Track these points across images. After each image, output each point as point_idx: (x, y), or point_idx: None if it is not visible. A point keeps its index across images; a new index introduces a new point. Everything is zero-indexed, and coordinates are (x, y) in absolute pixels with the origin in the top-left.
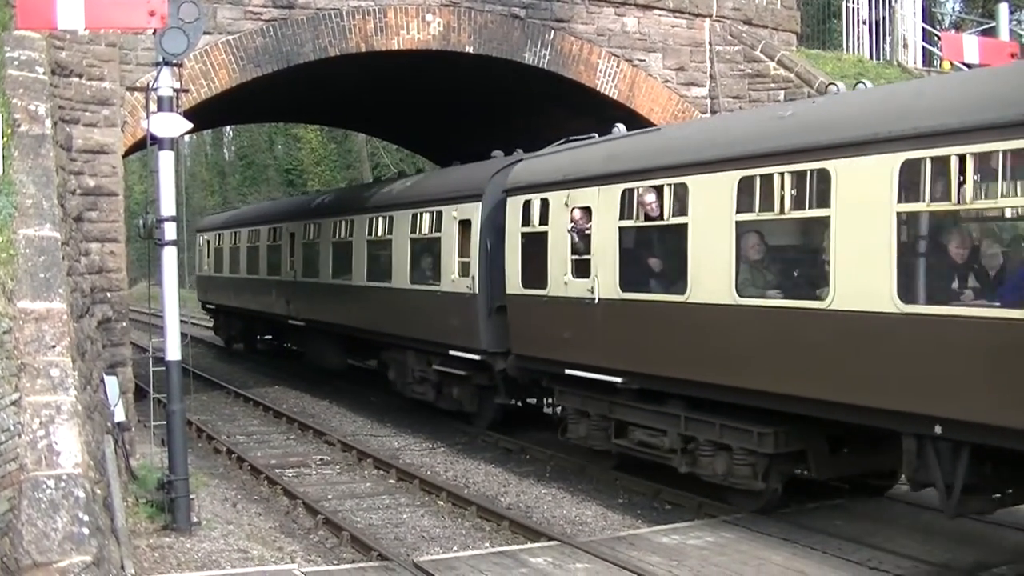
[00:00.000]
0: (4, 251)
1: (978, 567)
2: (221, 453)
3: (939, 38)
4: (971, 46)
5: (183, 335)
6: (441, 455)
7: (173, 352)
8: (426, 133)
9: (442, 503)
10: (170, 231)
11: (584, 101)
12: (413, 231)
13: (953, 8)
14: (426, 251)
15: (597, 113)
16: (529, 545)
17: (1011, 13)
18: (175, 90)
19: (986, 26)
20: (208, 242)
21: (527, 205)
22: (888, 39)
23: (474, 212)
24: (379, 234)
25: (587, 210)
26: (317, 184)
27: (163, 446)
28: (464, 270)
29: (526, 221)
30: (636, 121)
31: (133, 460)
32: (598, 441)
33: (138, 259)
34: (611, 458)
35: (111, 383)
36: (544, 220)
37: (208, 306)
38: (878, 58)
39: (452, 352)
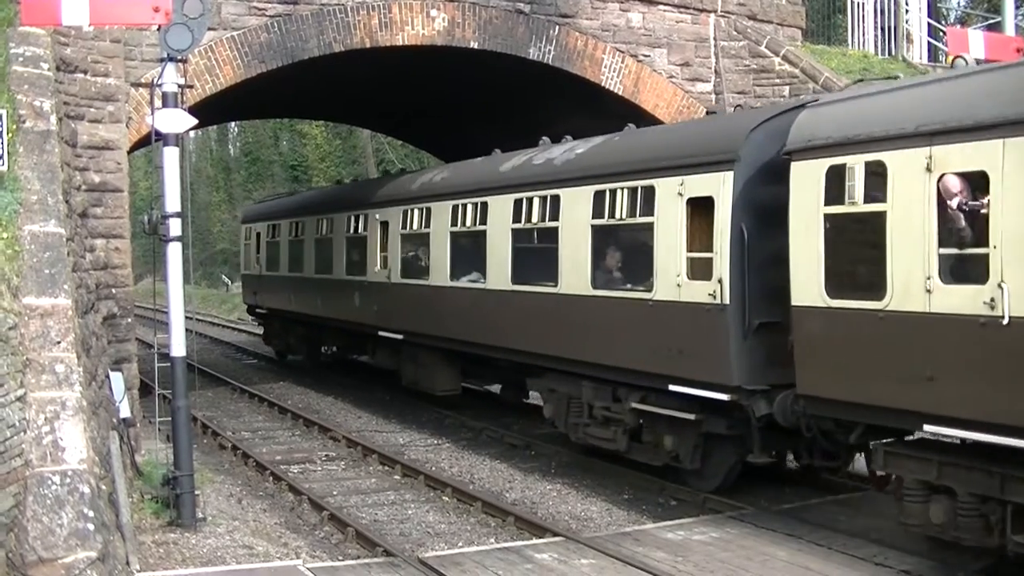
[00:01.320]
0: (9, 247)
1: (982, 563)
2: (226, 449)
3: (944, 33)
4: (977, 41)
5: (188, 331)
6: (446, 451)
7: (178, 348)
8: (430, 129)
9: (447, 499)
10: (175, 227)
11: (589, 96)
12: (598, 215)
13: (959, 3)
14: (620, 244)
15: (602, 108)
16: (534, 541)
17: (1017, 8)
18: (180, 86)
19: (992, 21)
20: (258, 235)
21: (837, 172)
22: (893, 34)
23: (719, 185)
24: (534, 221)
25: (975, 177)
26: (322, 180)
27: (168, 442)
28: (701, 270)
29: (835, 196)
30: (640, 117)
31: (138, 456)
32: (973, 533)
33: (143, 255)
34: (988, 556)
35: (116, 379)
36: (876, 194)
37: (258, 311)
38: (883, 54)
39: (673, 387)
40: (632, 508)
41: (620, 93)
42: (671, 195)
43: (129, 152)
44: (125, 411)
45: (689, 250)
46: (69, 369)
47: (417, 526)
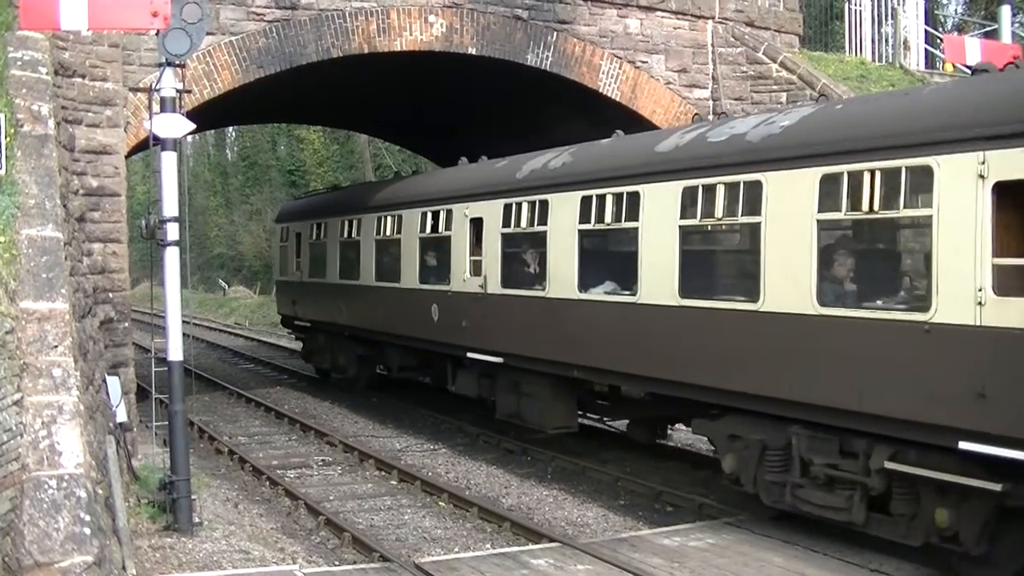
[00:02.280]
0: (7, 251)
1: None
2: (223, 454)
3: (941, 40)
4: (973, 48)
5: (185, 335)
6: (443, 456)
7: (175, 352)
8: (428, 134)
9: (443, 504)
10: (172, 232)
11: (586, 102)
12: (828, 208)
13: (955, 10)
14: (865, 245)
15: (600, 114)
16: (530, 547)
17: (1013, 15)
18: (178, 91)
19: (988, 28)
20: (298, 236)
21: None
22: (891, 41)
23: None
24: (718, 216)
25: None
26: (319, 185)
27: (165, 446)
28: (1020, 283)
29: None
30: (638, 123)
31: (135, 460)
32: None
33: (140, 259)
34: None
35: (113, 383)
36: None
37: (298, 323)
38: (880, 60)
39: (967, 445)
40: (628, 514)
41: (617, 99)
42: (962, 177)
43: (127, 156)
44: (122, 415)
45: (997, 255)
46: (66, 373)
47: (413, 531)
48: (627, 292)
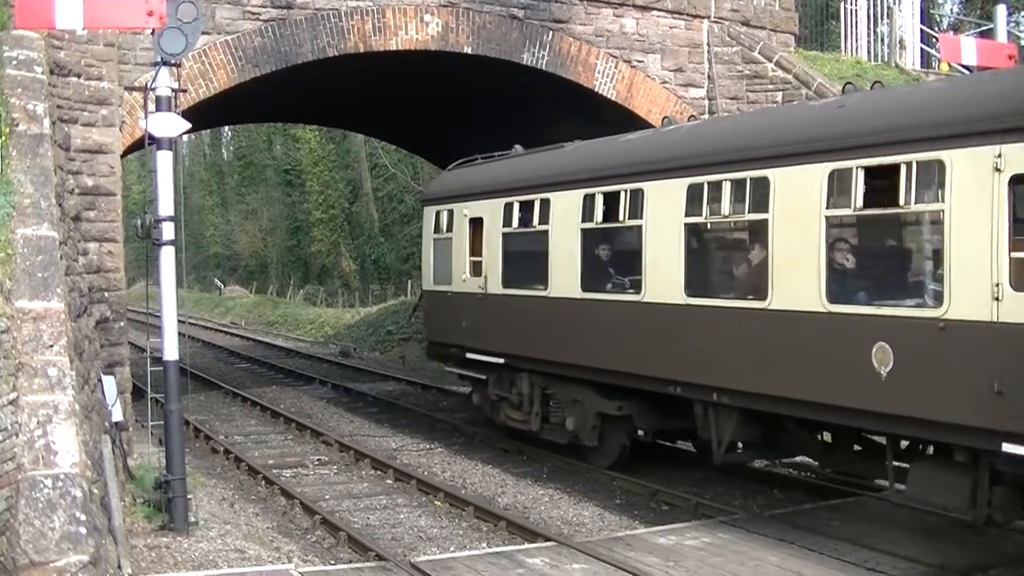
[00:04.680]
0: (2, 250)
1: (974, 569)
2: (219, 453)
3: (937, 40)
4: (969, 48)
5: (180, 335)
6: (438, 455)
7: (171, 352)
8: (424, 133)
9: (439, 503)
10: (168, 231)
11: (583, 101)
12: None
13: (951, 10)
14: None
15: (596, 113)
16: (526, 546)
17: (1009, 15)
18: (173, 90)
19: (984, 28)
20: (476, 222)
21: None
22: (886, 40)
23: None
24: None
25: None
26: (316, 184)
27: (161, 446)
28: None
29: None
30: (634, 122)
31: (130, 460)
32: None
33: (136, 259)
34: None
35: (109, 383)
36: None
37: (474, 357)
38: (876, 60)
39: None
40: (624, 513)
41: (613, 98)
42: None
43: (122, 156)
44: (117, 415)
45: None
46: (62, 373)
47: (409, 530)
48: None
